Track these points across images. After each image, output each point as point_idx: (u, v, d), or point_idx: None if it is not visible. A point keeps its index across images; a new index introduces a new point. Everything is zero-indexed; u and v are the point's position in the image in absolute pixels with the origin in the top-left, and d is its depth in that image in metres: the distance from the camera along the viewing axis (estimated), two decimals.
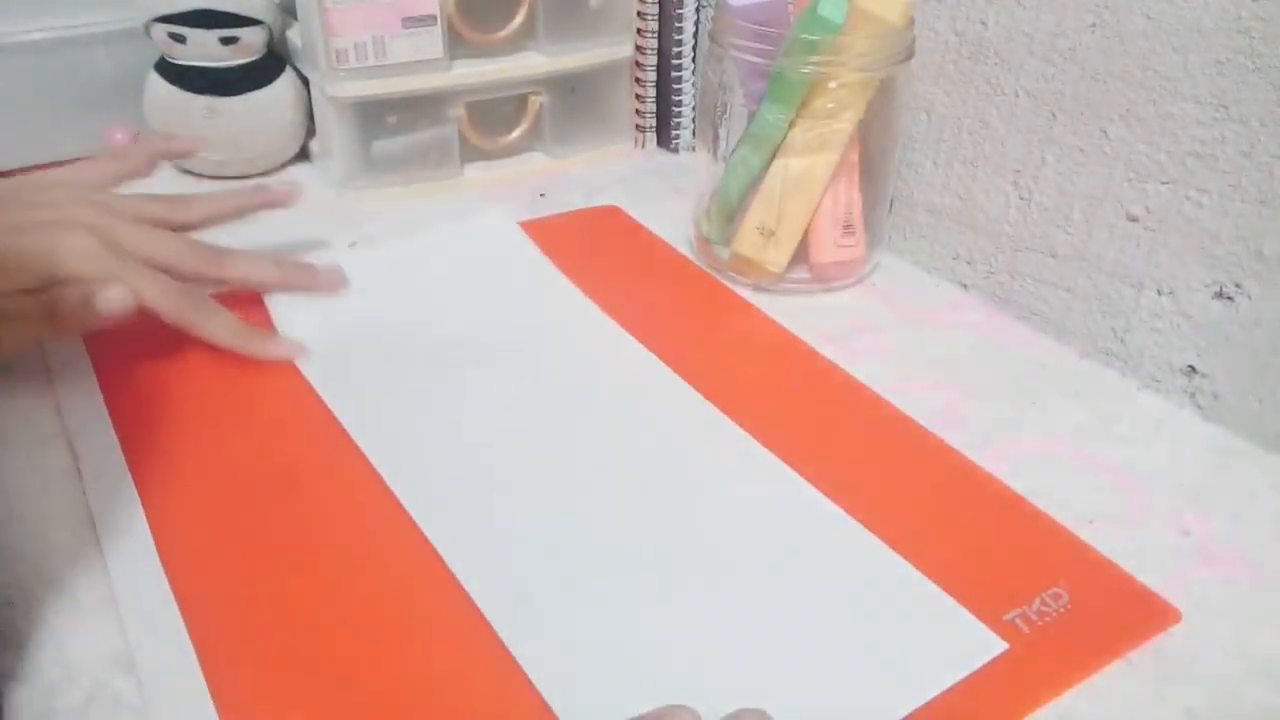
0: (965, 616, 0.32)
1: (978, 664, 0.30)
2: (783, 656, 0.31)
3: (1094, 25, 0.43)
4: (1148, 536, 0.36)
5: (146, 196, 0.45)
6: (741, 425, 0.40)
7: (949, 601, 0.32)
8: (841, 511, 0.36)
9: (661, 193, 0.62)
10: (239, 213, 0.48)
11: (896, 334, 0.48)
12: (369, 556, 0.34)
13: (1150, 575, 0.34)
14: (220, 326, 0.43)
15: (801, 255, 0.51)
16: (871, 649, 0.31)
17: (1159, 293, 0.43)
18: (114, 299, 0.39)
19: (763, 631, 0.32)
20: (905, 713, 0.29)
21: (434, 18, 0.57)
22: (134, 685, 0.30)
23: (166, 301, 0.41)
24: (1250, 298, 0.40)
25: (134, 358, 0.44)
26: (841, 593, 0.33)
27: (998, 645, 0.31)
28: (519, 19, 0.60)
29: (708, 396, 0.42)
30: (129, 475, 0.37)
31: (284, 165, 0.65)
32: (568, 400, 0.42)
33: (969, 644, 0.31)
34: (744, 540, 0.35)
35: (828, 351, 0.46)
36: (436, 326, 0.47)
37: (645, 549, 0.35)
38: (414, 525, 0.35)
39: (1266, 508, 0.38)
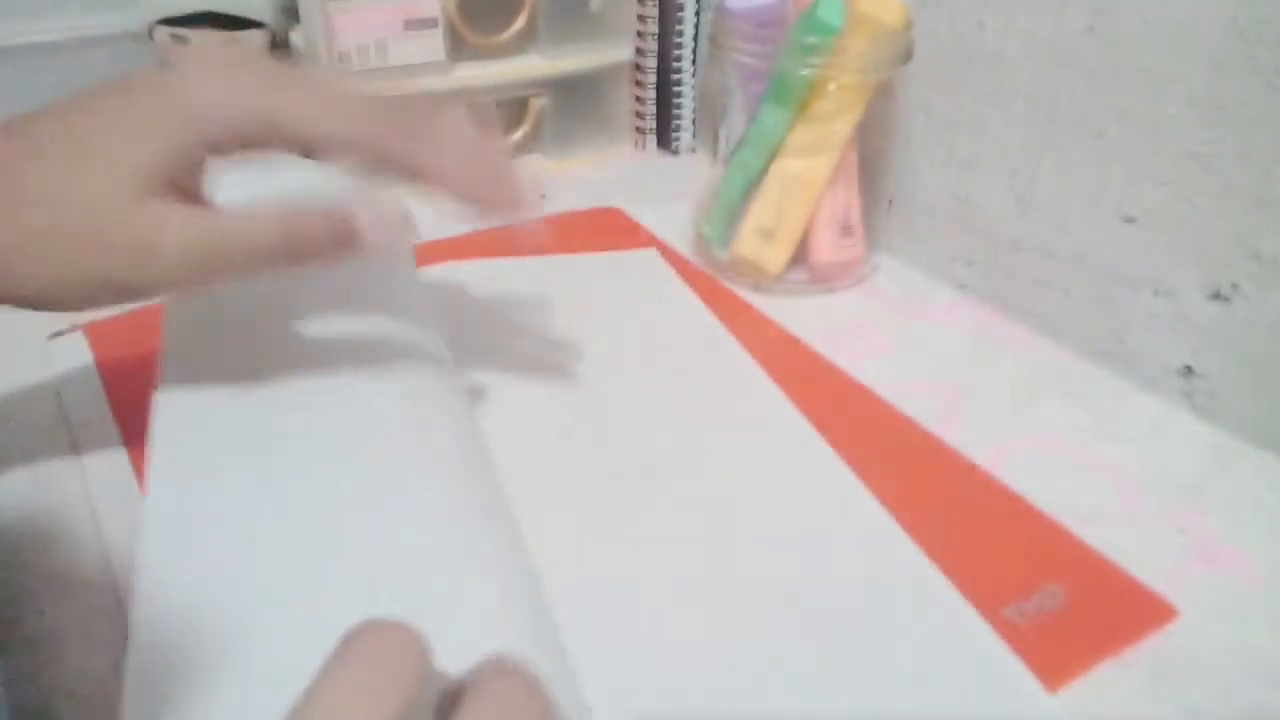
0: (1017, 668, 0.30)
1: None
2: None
3: (1091, 27, 0.43)
4: (1144, 535, 0.36)
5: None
6: None
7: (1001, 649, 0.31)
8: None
9: (661, 194, 0.62)
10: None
11: (895, 334, 0.49)
12: None
13: (1147, 573, 0.34)
14: (457, 164, 0.29)
15: (800, 256, 0.51)
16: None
17: (1156, 293, 0.43)
18: (390, 220, 0.28)
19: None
20: None
21: (435, 20, 0.58)
22: None
23: (386, 130, 0.29)
24: (1247, 298, 0.40)
25: (135, 342, 0.43)
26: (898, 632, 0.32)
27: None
28: (520, 22, 0.61)
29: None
30: (134, 471, 0.37)
31: None
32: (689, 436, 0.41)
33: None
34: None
35: (826, 351, 0.46)
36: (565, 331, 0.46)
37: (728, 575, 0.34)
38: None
39: (1263, 507, 0.38)
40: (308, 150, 0.29)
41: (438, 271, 0.50)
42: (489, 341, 0.45)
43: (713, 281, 0.52)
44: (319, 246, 0.29)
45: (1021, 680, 0.30)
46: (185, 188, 0.28)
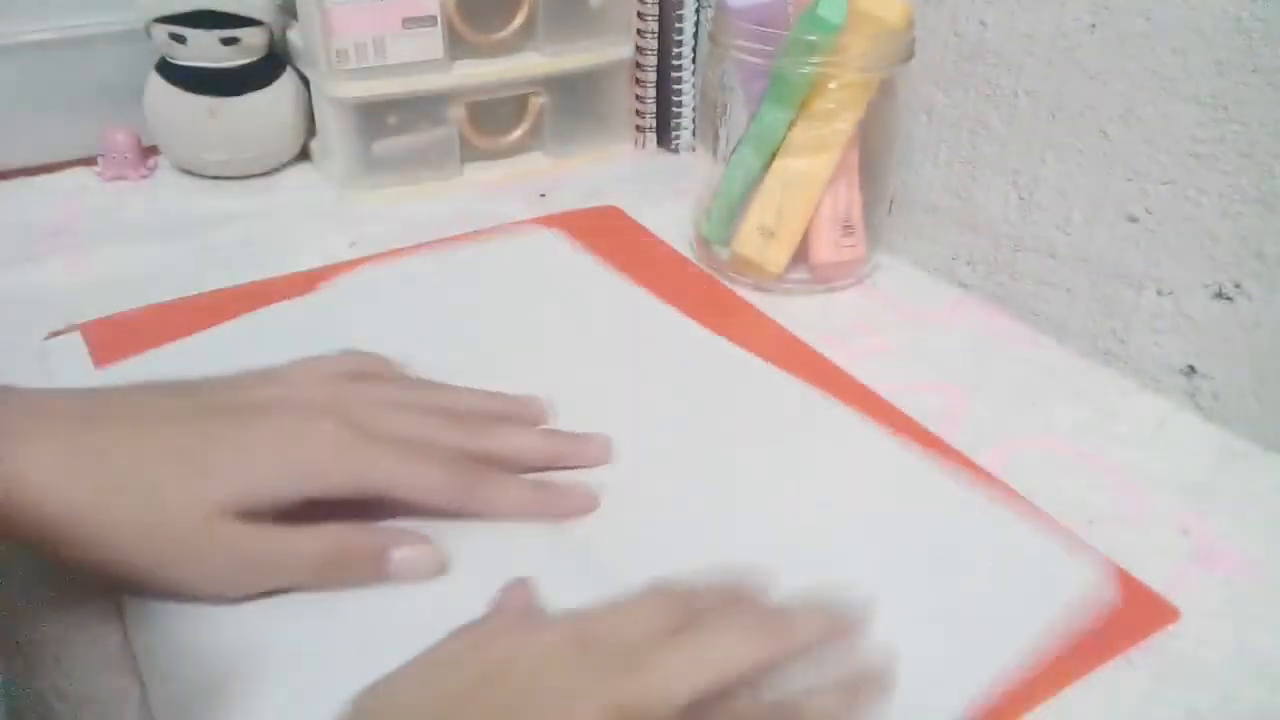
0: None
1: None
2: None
3: (1093, 26, 0.43)
4: (1147, 536, 0.36)
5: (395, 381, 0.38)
6: None
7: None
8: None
9: (662, 193, 0.62)
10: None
11: (896, 334, 0.48)
12: None
13: (1150, 574, 0.34)
14: (515, 498, 0.35)
15: (801, 255, 0.51)
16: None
17: (1159, 293, 0.43)
18: (420, 565, 0.32)
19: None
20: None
21: (434, 18, 0.57)
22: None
23: (446, 491, 0.33)
24: (1250, 298, 0.40)
25: (131, 342, 0.43)
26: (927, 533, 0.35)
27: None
28: (519, 19, 0.60)
29: None
30: None
31: (285, 166, 0.65)
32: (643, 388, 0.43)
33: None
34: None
35: (828, 351, 0.46)
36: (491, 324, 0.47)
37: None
38: None
39: (1266, 508, 0.38)
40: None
41: (342, 281, 0.49)
42: (415, 349, 0.43)
43: (713, 280, 0.52)
44: (347, 580, 0.32)
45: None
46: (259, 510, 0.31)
